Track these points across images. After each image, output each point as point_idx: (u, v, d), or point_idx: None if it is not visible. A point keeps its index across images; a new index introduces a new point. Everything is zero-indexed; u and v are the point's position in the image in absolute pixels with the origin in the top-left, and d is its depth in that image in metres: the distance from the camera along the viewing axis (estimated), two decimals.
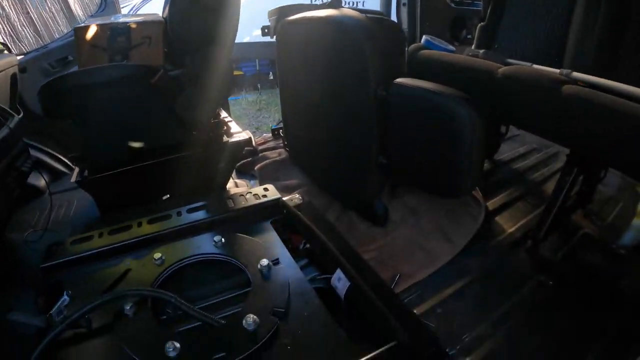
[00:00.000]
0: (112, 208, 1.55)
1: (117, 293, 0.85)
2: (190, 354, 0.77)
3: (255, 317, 0.80)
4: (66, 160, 2.13)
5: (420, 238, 1.72)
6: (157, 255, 1.00)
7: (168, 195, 1.65)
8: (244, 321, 0.80)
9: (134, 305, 0.87)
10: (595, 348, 1.30)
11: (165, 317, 0.91)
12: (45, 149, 2.10)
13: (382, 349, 0.76)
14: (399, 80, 1.45)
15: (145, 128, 1.52)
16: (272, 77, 5.06)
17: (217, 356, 0.75)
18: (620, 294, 1.50)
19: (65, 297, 0.90)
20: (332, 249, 1.00)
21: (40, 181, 1.90)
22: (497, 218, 1.92)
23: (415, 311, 1.37)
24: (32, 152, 1.85)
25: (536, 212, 1.92)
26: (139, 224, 1.14)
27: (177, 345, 0.77)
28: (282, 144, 2.37)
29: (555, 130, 1.49)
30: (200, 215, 1.16)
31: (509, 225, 1.87)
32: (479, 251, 1.70)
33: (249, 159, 2.22)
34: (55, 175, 2.09)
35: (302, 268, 1.02)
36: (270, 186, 1.26)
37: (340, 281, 0.94)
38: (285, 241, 1.09)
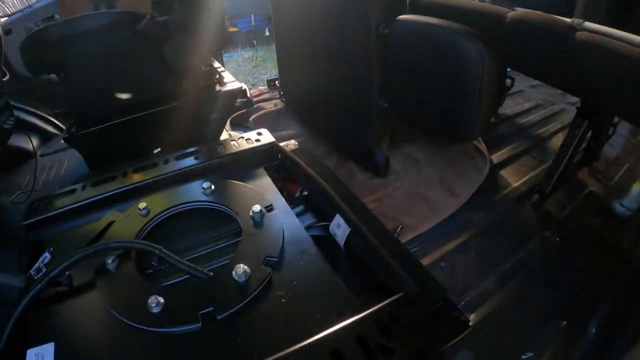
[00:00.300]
0: (102, 164, 1.48)
1: (96, 246, 0.77)
2: (175, 309, 0.70)
3: (245, 267, 0.73)
4: (57, 122, 2.05)
5: (423, 189, 1.65)
6: (142, 205, 0.92)
7: (159, 149, 1.56)
8: (233, 272, 0.72)
9: (117, 259, 0.80)
10: (602, 307, 1.27)
11: (151, 270, 0.84)
12: (36, 111, 2.02)
13: (387, 301, 0.69)
14: (401, 16, 1.35)
15: (133, 78, 1.43)
16: (268, 34, 4.91)
17: (204, 311, 0.68)
18: (624, 255, 1.47)
19: (47, 254, 0.83)
20: (331, 193, 0.92)
21: (29, 144, 1.82)
22: (502, 172, 1.86)
23: None
24: (23, 115, 1.81)
25: (542, 168, 1.87)
26: (124, 174, 1.05)
27: (161, 300, 0.70)
28: (277, 95, 2.27)
29: (566, 78, 1.40)
30: (188, 162, 1.06)
31: (514, 179, 1.82)
32: (484, 204, 1.65)
33: (243, 110, 2.12)
34: (47, 137, 2.02)
35: (298, 215, 0.95)
36: (264, 130, 1.17)
37: (339, 228, 0.86)
38: (281, 190, 1.01)
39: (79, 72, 1.35)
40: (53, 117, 2.07)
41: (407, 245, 1.43)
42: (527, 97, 2.49)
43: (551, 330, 1.23)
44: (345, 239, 0.85)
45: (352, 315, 0.66)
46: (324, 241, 0.91)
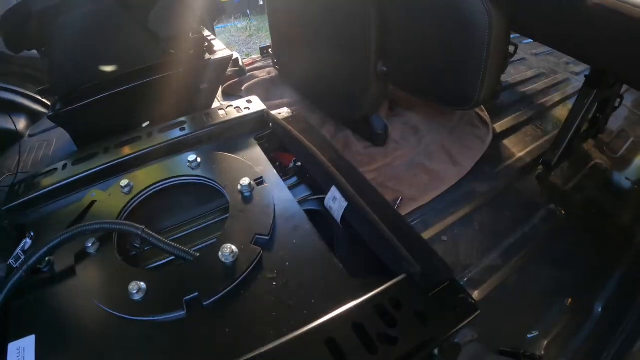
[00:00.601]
0: (90, 141, 1.41)
1: (74, 230, 0.71)
2: (157, 296, 0.64)
3: (233, 247, 0.67)
4: (46, 101, 1.97)
5: (424, 159, 1.58)
6: (124, 182, 0.85)
7: (148, 122, 1.49)
8: (219, 253, 0.66)
9: (97, 241, 0.73)
10: (610, 284, 1.23)
11: (134, 252, 0.78)
12: (23, 91, 1.93)
13: (388, 284, 0.63)
14: None
15: (118, 49, 1.33)
16: (261, 2, 4.73)
17: (189, 297, 0.63)
18: (630, 231, 1.41)
19: (27, 239, 0.78)
20: (325, 162, 0.84)
21: (19, 125, 1.75)
22: (505, 141, 1.78)
23: None
24: (9, 96, 1.74)
25: (546, 138, 1.80)
26: (106, 150, 0.98)
27: (142, 285, 0.64)
28: (271, 63, 2.17)
29: (577, 44, 1.31)
30: (173, 134, 0.99)
31: (518, 149, 1.74)
32: (487, 175, 1.58)
33: (235, 80, 2.03)
34: (36, 117, 1.94)
35: (291, 188, 0.88)
36: (254, 97, 1.10)
37: (335, 201, 0.79)
38: (273, 162, 0.94)
39: (61, 46, 1.26)
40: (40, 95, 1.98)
41: (408, 217, 1.37)
42: (529, 66, 2.39)
43: (557, 308, 1.18)
44: (341, 213, 0.78)
45: (350, 300, 0.60)
46: (319, 216, 0.85)
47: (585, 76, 1.49)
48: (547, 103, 2.06)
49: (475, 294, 1.17)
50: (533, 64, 2.40)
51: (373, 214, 0.73)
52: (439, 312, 0.61)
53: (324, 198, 0.83)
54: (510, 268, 1.26)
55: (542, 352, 1.09)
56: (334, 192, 0.80)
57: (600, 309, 1.19)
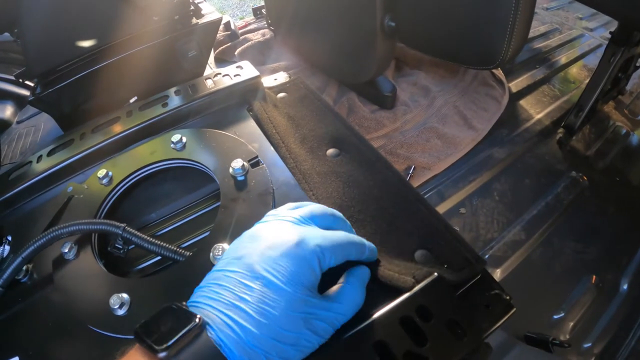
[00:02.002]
0: (75, 124, 1.29)
1: (48, 234, 0.60)
2: (143, 309, 0.54)
3: (224, 246, 0.56)
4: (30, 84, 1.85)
5: (436, 122, 1.46)
6: (102, 172, 0.74)
7: (136, 97, 1.37)
8: (211, 253, 0.56)
9: (75, 245, 0.63)
10: (636, 259, 1.17)
11: (119, 253, 0.68)
12: (7, 76, 1.80)
13: (415, 289, 0.52)
14: None
15: (95, 21, 1.20)
16: None
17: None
18: None
19: (5, 246, 0.69)
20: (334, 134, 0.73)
21: (5, 112, 1.64)
22: (522, 102, 1.66)
23: None
24: None
25: (564, 99, 1.68)
26: (82, 136, 0.86)
27: (125, 298, 0.54)
28: (265, 24, 2.01)
29: None
30: (155, 111, 0.86)
31: (535, 110, 1.62)
32: (504, 139, 1.47)
33: (228, 44, 1.88)
34: (24, 103, 1.82)
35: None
36: (245, 63, 0.96)
37: None
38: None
39: (32, 24, 1.12)
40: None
41: (421, 188, 1.27)
42: (541, 20, 2.23)
43: (582, 286, 1.11)
44: None
45: (369, 309, 0.50)
46: None
47: (611, 33, 1.35)
48: (562, 60, 1.92)
49: (498, 272, 1.09)
50: (545, 18, 2.24)
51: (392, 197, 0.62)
52: (472, 316, 0.51)
53: None
54: (533, 243, 1.17)
55: (568, 336, 1.03)
56: None
57: (626, 286, 1.12)
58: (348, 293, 0.47)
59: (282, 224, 0.47)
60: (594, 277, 1.13)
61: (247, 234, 0.48)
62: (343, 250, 0.47)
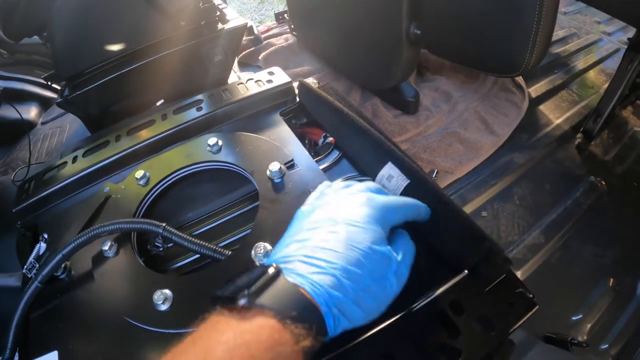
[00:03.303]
0: (102, 125, 1.33)
1: (88, 233, 0.63)
2: (186, 305, 0.57)
3: (267, 245, 0.59)
4: (56, 86, 1.89)
5: (457, 127, 1.48)
6: (139, 173, 0.77)
7: (162, 100, 1.41)
8: (252, 252, 0.59)
9: (115, 243, 0.66)
10: None
11: (158, 251, 0.71)
12: (32, 78, 1.85)
13: (448, 285, 0.55)
14: None
15: (123, 26, 1.23)
16: None
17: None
18: None
19: (42, 243, 0.71)
20: (377, 135, 0.73)
21: (30, 113, 1.67)
22: (541, 107, 1.66)
23: None
24: (17, 85, 1.66)
25: (582, 104, 1.68)
26: (117, 138, 0.89)
27: (168, 294, 0.57)
28: (288, 29, 2.04)
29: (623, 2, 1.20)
30: (190, 115, 0.90)
31: (554, 115, 1.62)
32: (525, 144, 1.48)
33: (251, 49, 1.92)
34: (48, 104, 1.86)
35: (325, 170, 0.79)
36: (276, 69, 1.00)
37: (391, 180, 0.68)
38: (301, 139, 0.83)
39: (62, 28, 1.16)
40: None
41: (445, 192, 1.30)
42: (560, 25, 2.22)
43: (600, 289, 1.12)
44: (398, 194, 0.67)
45: (405, 305, 0.53)
46: None
47: (629, 39, 1.36)
48: (580, 65, 1.92)
49: (519, 274, 1.11)
50: (563, 22, 2.24)
51: (444, 194, 0.63)
52: (500, 312, 0.53)
53: (365, 179, 0.73)
54: (552, 246, 1.19)
55: (586, 337, 1.05)
56: (388, 170, 0.69)
57: None
58: (402, 243, 0.48)
59: (344, 193, 0.49)
60: (612, 280, 1.14)
61: (306, 208, 0.49)
62: (403, 209, 0.50)
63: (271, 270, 0.39)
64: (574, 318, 1.07)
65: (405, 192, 0.66)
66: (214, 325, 0.37)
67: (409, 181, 0.66)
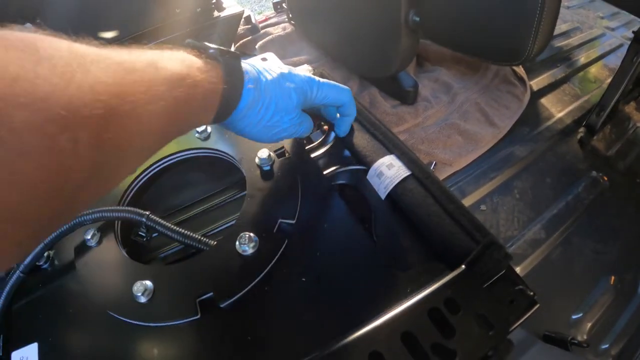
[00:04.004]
0: None
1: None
2: (167, 297, 0.54)
3: (252, 235, 0.56)
4: None
5: (457, 119, 1.44)
6: None
7: None
8: (237, 242, 0.56)
9: (98, 232, 0.63)
10: None
11: (142, 240, 0.68)
12: None
13: (443, 281, 0.52)
14: None
15: (118, 13, 1.21)
16: None
17: (203, 298, 0.53)
18: None
19: None
20: (378, 124, 0.71)
21: None
22: (543, 100, 1.63)
23: None
24: None
25: (585, 98, 1.65)
26: None
27: (149, 285, 0.54)
28: (286, 18, 2.00)
29: None
30: None
31: (556, 109, 1.59)
32: (526, 137, 1.44)
33: (248, 38, 1.88)
34: None
35: (318, 158, 0.76)
36: (270, 54, 0.96)
37: (391, 169, 0.65)
38: None
39: (55, 15, 1.13)
40: None
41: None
42: (563, 18, 2.17)
43: (600, 287, 1.10)
44: (391, 187, 0.64)
45: (396, 301, 0.50)
46: (349, 190, 0.73)
47: (634, 32, 1.32)
48: (583, 60, 1.88)
49: (518, 270, 1.08)
50: (566, 16, 2.21)
51: (443, 187, 0.61)
52: (498, 311, 0.51)
53: (360, 170, 0.70)
54: (553, 242, 1.15)
55: (586, 336, 1.02)
56: (387, 160, 0.66)
57: None
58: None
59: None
60: (613, 277, 1.11)
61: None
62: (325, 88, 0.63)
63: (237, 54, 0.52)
64: (574, 316, 1.04)
65: (399, 185, 0.63)
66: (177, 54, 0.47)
67: (409, 173, 0.63)
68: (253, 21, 1.95)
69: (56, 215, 0.33)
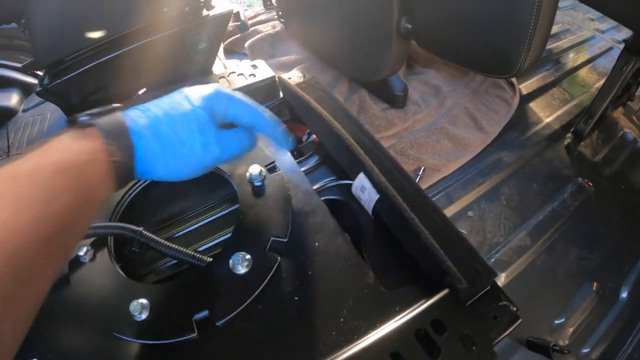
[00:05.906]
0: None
1: None
2: (164, 315, 0.55)
3: (245, 255, 0.57)
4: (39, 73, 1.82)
5: (446, 123, 1.46)
6: None
7: (144, 89, 1.36)
8: (230, 261, 0.57)
9: (91, 248, 0.63)
10: (637, 267, 1.19)
11: (134, 255, 0.69)
12: (12, 64, 1.77)
13: (429, 303, 0.54)
14: None
15: (105, 12, 1.19)
16: None
17: (199, 316, 0.54)
18: None
19: None
20: (354, 145, 0.71)
21: (11, 100, 1.61)
22: (532, 105, 1.66)
23: None
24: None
25: (573, 102, 1.68)
26: None
27: (146, 303, 0.55)
28: (275, 16, 1.99)
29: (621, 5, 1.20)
30: None
31: (545, 114, 1.62)
32: (514, 143, 1.47)
33: (237, 36, 1.87)
34: (30, 90, 1.79)
35: (307, 173, 0.77)
36: (260, 62, 0.97)
37: (364, 191, 0.67)
38: None
39: (40, 15, 1.11)
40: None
41: (431, 190, 1.28)
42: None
43: (583, 293, 1.13)
44: (372, 205, 0.66)
45: (385, 320, 0.52)
46: (338, 205, 0.74)
47: (624, 41, 1.35)
48: (573, 63, 1.91)
49: (503, 277, 1.10)
50: (557, 18, 2.22)
51: (410, 212, 0.61)
52: (482, 328, 0.52)
53: (347, 184, 0.72)
54: (539, 248, 1.18)
55: (567, 341, 1.06)
56: (362, 180, 0.67)
57: (626, 295, 1.14)
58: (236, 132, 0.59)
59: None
60: (595, 284, 1.15)
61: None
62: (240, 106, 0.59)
63: (114, 107, 0.51)
64: (556, 322, 1.07)
65: (377, 204, 0.65)
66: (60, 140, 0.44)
67: (378, 196, 0.65)
68: (242, 18, 1.94)
69: None
